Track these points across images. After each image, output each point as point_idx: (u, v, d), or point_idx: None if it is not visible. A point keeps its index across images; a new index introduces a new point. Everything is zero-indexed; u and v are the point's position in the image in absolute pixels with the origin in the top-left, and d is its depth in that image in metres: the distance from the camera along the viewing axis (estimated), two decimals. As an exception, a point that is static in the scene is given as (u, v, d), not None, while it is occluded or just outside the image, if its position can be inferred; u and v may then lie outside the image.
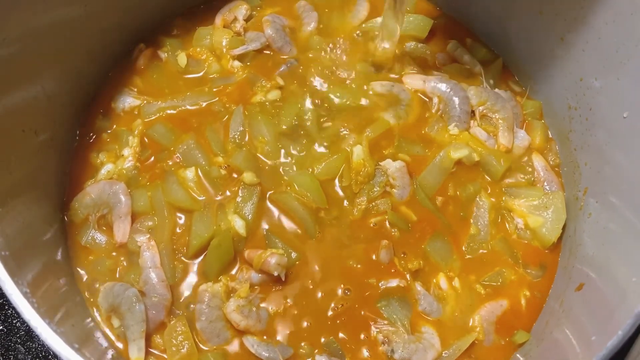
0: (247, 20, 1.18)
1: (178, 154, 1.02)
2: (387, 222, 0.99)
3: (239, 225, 0.95)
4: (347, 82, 1.12)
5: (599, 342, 0.71)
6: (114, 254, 0.96)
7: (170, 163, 1.02)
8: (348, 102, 1.08)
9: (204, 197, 0.99)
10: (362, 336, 0.92)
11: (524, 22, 1.10)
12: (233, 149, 1.02)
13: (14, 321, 1.10)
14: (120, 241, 0.95)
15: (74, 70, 1.02)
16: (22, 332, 1.09)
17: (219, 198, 0.99)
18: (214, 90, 1.09)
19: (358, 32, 1.18)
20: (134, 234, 0.96)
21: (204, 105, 1.07)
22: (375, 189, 1.00)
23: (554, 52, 1.05)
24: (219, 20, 1.18)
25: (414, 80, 1.11)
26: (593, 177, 0.99)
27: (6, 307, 1.11)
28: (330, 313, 0.92)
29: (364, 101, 1.09)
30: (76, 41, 1.00)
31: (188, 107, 1.07)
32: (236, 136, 1.04)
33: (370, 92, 1.10)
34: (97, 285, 0.93)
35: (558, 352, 0.85)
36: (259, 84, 1.09)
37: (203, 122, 1.06)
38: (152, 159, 1.02)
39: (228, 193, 0.99)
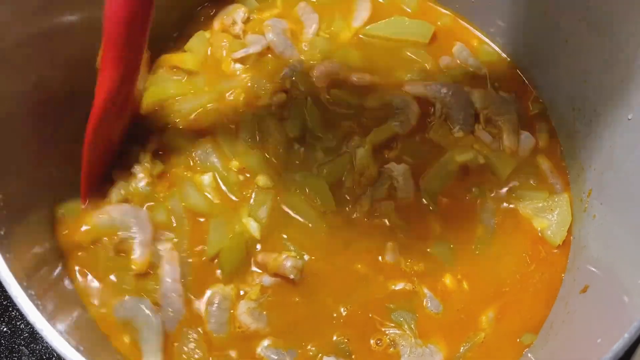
0: (245, 22, 1.17)
1: (196, 159, 1.01)
2: (390, 224, 0.99)
3: (253, 228, 0.95)
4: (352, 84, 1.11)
5: (604, 345, 0.70)
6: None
7: (185, 172, 1.00)
8: (352, 107, 1.08)
9: (219, 201, 0.98)
10: (370, 339, 0.92)
11: (528, 24, 1.10)
12: (245, 150, 1.02)
13: (18, 323, 1.11)
14: (139, 270, 0.92)
15: (85, 73, 1.01)
16: (26, 334, 1.10)
17: (235, 200, 0.99)
18: (218, 93, 1.08)
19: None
20: (154, 241, 0.94)
21: (210, 108, 1.06)
22: (378, 191, 1.00)
23: (558, 54, 1.05)
24: (217, 23, 1.17)
25: (414, 87, 1.10)
26: (597, 179, 0.98)
27: (10, 309, 1.11)
28: (336, 315, 0.92)
29: (369, 104, 1.09)
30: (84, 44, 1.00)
31: (195, 111, 1.06)
32: (247, 138, 1.03)
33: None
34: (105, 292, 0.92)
35: (563, 354, 0.85)
36: (263, 87, 1.08)
37: (212, 126, 1.04)
38: (165, 166, 1.01)
39: (243, 195, 0.99)
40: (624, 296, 0.78)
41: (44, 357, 1.08)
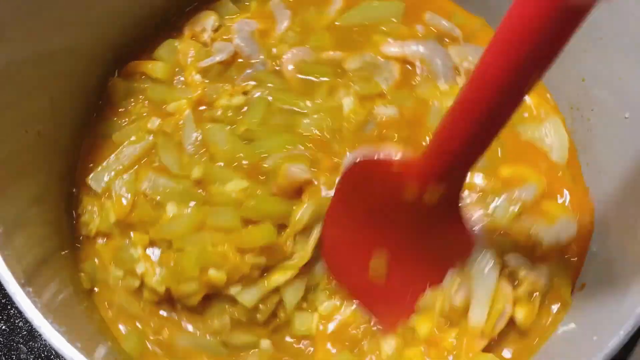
0: (215, 30, 1.11)
1: (147, 190, 0.94)
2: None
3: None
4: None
5: (600, 342, 0.71)
6: None
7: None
8: (331, 73, 1.05)
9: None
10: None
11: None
12: (190, 161, 0.96)
13: (17, 321, 1.11)
14: None
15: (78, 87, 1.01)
16: (25, 332, 1.10)
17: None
18: (169, 107, 1.02)
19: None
20: None
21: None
22: (366, 135, 0.99)
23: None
24: (187, 31, 1.11)
25: (392, 48, 1.09)
26: (595, 178, 0.99)
27: (9, 307, 1.12)
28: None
29: (349, 66, 1.06)
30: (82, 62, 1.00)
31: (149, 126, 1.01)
32: (191, 149, 0.97)
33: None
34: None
35: (559, 351, 0.85)
36: (221, 89, 1.02)
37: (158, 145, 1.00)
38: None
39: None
40: (620, 293, 0.79)
41: (43, 355, 1.08)
